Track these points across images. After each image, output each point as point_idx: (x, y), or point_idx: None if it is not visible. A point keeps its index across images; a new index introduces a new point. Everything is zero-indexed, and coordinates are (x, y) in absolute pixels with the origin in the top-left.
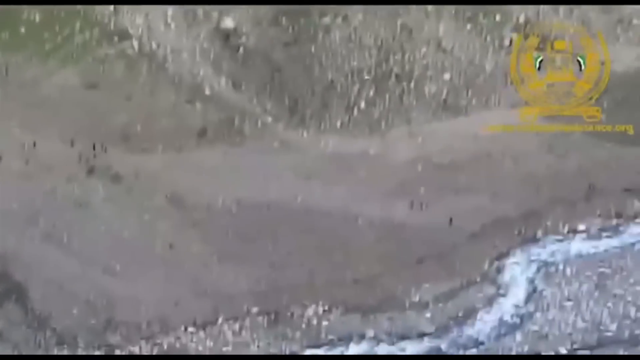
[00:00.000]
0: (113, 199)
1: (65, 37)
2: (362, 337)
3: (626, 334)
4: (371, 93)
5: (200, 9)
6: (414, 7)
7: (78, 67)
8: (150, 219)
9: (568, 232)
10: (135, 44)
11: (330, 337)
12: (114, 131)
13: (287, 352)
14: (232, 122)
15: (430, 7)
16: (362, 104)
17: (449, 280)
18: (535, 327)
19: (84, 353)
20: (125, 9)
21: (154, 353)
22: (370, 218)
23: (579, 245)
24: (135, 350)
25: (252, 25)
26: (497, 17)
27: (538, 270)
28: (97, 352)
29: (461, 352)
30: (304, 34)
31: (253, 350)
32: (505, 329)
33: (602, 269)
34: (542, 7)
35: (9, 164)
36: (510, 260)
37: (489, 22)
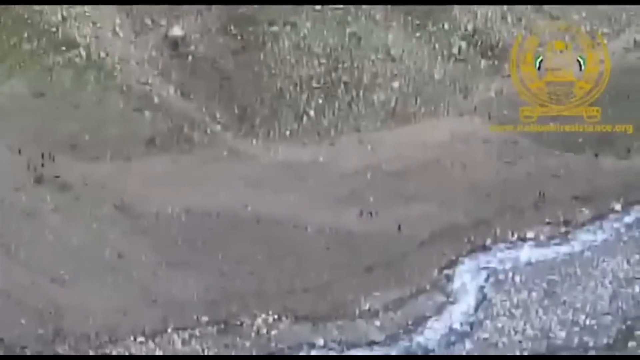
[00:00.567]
0: (61, 208)
1: (13, 45)
2: (312, 345)
3: (575, 341)
4: (320, 101)
5: (148, 18)
6: (363, 15)
7: (25, 76)
8: (98, 227)
9: (517, 239)
10: (83, 52)
11: (280, 346)
12: (62, 140)
13: None
14: (181, 130)
15: (378, 16)
16: (312, 112)
17: (399, 289)
18: (485, 335)
19: None
20: (73, 17)
21: None
22: (320, 226)
23: (528, 253)
24: None
25: (200, 33)
26: (446, 26)
27: (487, 278)
28: None
29: None
30: (253, 42)
31: None
32: (455, 336)
33: (551, 277)
34: (490, 15)
35: None
36: (459, 268)
37: (437, 31)
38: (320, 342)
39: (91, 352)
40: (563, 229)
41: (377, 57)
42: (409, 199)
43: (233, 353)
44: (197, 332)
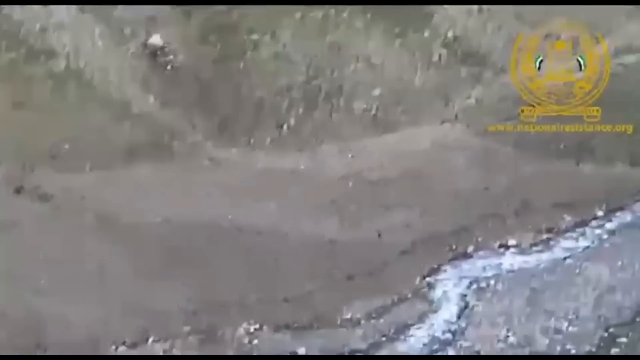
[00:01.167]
0: (41, 219)
1: None
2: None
3: (558, 348)
4: (301, 110)
5: (127, 27)
6: (343, 23)
7: (4, 87)
8: (79, 238)
9: (499, 247)
10: (62, 62)
11: (261, 355)
12: (42, 150)
13: None
14: (161, 140)
15: (359, 24)
16: (292, 121)
17: (380, 297)
18: (468, 343)
19: None
20: (51, 27)
21: None
22: (300, 235)
23: (510, 260)
24: None
25: (180, 42)
26: (426, 33)
27: (470, 285)
28: None
29: None
30: (233, 51)
31: None
32: (438, 345)
33: (533, 284)
34: (470, 23)
35: None
36: (441, 276)
37: (417, 39)
38: (302, 350)
39: None
40: (545, 236)
41: (357, 65)
42: (390, 208)
43: None
44: (178, 342)
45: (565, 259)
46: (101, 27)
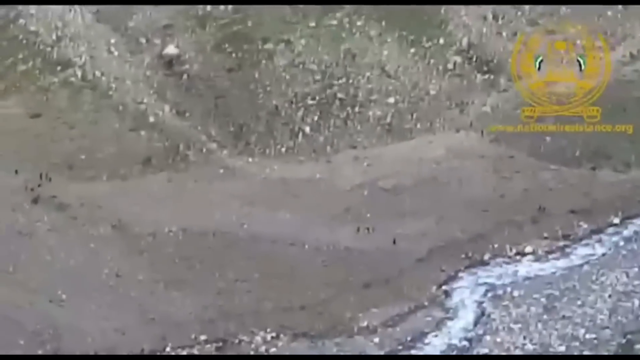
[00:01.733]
0: (58, 228)
1: (8, 66)
2: None
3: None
4: (316, 118)
5: (143, 37)
6: (357, 31)
7: (21, 97)
8: (95, 247)
9: (515, 254)
10: (79, 72)
11: None
12: (59, 160)
13: None
14: (176, 149)
15: (373, 32)
16: (307, 129)
17: (397, 305)
18: (485, 350)
19: None
20: (68, 37)
21: None
22: (316, 243)
23: (526, 267)
24: None
25: (195, 51)
26: (441, 41)
27: (486, 293)
28: None
29: None
30: (247, 60)
31: None
32: (455, 352)
33: (550, 291)
34: (484, 30)
35: None
36: (457, 283)
37: (432, 46)
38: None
39: None
40: (561, 243)
41: (372, 73)
42: (405, 215)
43: None
44: (195, 351)
45: (581, 265)
46: (117, 37)
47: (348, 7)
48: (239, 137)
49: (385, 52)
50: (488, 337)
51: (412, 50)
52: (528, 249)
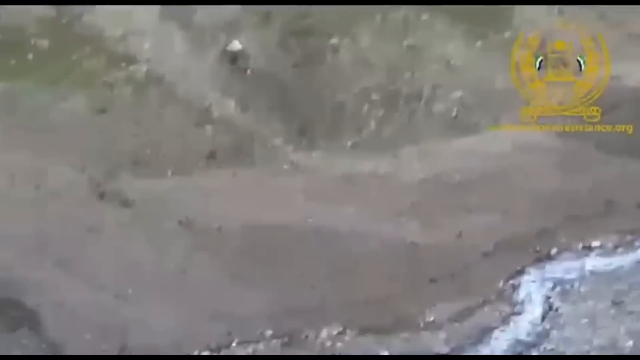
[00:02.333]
0: (124, 224)
1: (74, 62)
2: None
3: None
4: (381, 113)
5: (207, 33)
6: (422, 25)
7: (86, 93)
8: (161, 243)
9: (583, 249)
10: (144, 68)
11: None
12: (124, 156)
13: None
14: (241, 144)
15: (439, 25)
16: (372, 124)
17: (463, 300)
18: (552, 346)
19: None
20: (132, 33)
21: None
22: (382, 238)
23: (594, 262)
24: None
25: (260, 47)
26: (507, 34)
27: (553, 287)
28: None
29: None
30: (312, 55)
31: None
32: (522, 347)
33: (617, 286)
34: (551, 24)
35: (20, 190)
36: (524, 278)
37: (498, 40)
38: (385, 354)
39: None
40: (629, 237)
41: (437, 67)
42: (471, 210)
43: None
44: (261, 346)
45: None
46: (182, 33)
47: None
48: (304, 132)
49: (451, 46)
50: (555, 332)
51: (478, 44)
52: (595, 243)
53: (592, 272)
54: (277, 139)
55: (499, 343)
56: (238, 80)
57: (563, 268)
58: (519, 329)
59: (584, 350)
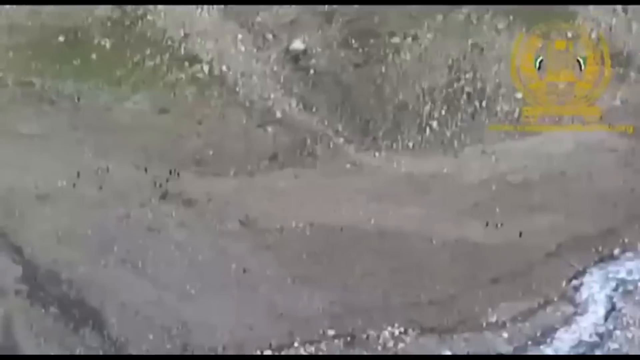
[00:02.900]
0: (186, 224)
1: (136, 63)
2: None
3: None
4: (443, 112)
5: (269, 32)
6: (485, 25)
7: (149, 93)
8: (223, 243)
9: None
10: (206, 68)
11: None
12: (186, 156)
13: None
14: (303, 144)
15: (500, 25)
16: (434, 124)
17: (526, 300)
18: (615, 346)
19: None
20: (195, 33)
21: None
22: (444, 238)
23: None
24: None
25: (322, 46)
26: (569, 34)
27: (616, 288)
28: None
29: None
30: (374, 55)
31: None
32: (585, 348)
33: None
34: (614, 22)
35: (83, 190)
36: (587, 278)
37: (560, 39)
38: (447, 354)
39: None
40: None
41: (499, 67)
42: (534, 210)
43: None
44: (323, 346)
45: None
46: (243, 33)
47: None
48: (366, 132)
49: (513, 45)
50: (619, 332)
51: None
52: None
53: None
54: (339, 139)
55: (562, 343)
56: (300, 80)
57: (626, 268)
58: (582, 330)
59: None
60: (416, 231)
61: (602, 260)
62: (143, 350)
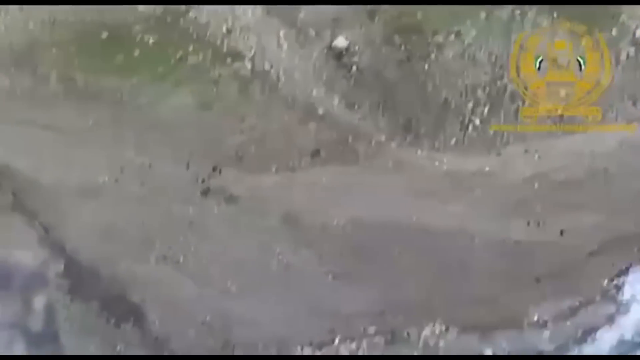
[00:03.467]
0: (228, 220)
1: (179, 59)
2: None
3: None
4: (486, 110)
5: (312, 29)
6: (528, 23)
7: (192, 89)
8: (265, 239)
9: None
10: (248, 64)
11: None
12: (228, 152)
13: None
14: (345, 141)
15: (545, 23)
16: (477, 122)
17: (568, 299)
18: None
19: None
20: (237, 30)
21: None
22: (486, 237)
23: None
24: None
25: (364, 44)
26: (614, 32)
27: None
28: None
29: None
30: (417, 52)
31: None
32: (626, 347)
33: None
34: None
35: (125, 186)
36: (630, 277)
37: (605, 37)
38: (489, 352)
39: None
40: None
41: (543, 65)
42: (577, 209)
43: None
44: (364, 343)
45: None
46: (286, 29)
47: None
48: (409, 129)
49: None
50: None
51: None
52: None
53: None
54: (382, 136)
55: (603, 343)
56: (343, 77)
57: None
58: (624, 329)
59: None
60: (458, 229)
61: None
62: (184, 346)
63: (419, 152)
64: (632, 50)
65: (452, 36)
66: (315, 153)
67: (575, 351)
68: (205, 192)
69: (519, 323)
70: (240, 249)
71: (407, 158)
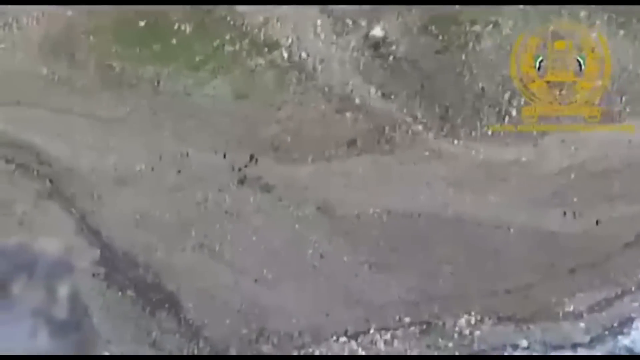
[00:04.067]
0: (264, 209)
1: (215, 48)
2: (515, 347)
3: None
4: (523, 101)
5: (349, 19)
6: (566, 13)
7: (228, 78)
8: (300, 228)
9: None
10: (285, 54)
11: (482, 347)
12: (264, 141)
13: None
14: (382, 131)
15: (582, 13)
16: (514, 112)
17: (603, 290)
18: None
19: None
20: (275, 19)
21: None
22: (522, 227)
23: None
24: None
25: (401, 33)
26: None
27: None
28: None
29: None
30: (455, 42)
31: None
32: None
33: None
34: None
35: (162, 174)
36: None
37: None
38: (524, 343)
39: (294, 352)
40: None
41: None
42: (613, 199)
43: (435, 354)
44: (399, 333)
45: None
46: (323, 19)
47: None
48: (445, 119)
49: (594, 34)
50: None
51: (622, 32)
52: None
53: None
54: (418, 126)
55: (639, 334)
56: (379, 67)
57: None
58: None
59: None
60: (494, 219)
61: None
62: (219, 333)
63: (456, 142)
64: None
65: (490, 26)
66: (352, 143)
67: (610, 342)
68: (242, 181)
69: (554, 314)
70: (275, 238)
71: (443, 148)
